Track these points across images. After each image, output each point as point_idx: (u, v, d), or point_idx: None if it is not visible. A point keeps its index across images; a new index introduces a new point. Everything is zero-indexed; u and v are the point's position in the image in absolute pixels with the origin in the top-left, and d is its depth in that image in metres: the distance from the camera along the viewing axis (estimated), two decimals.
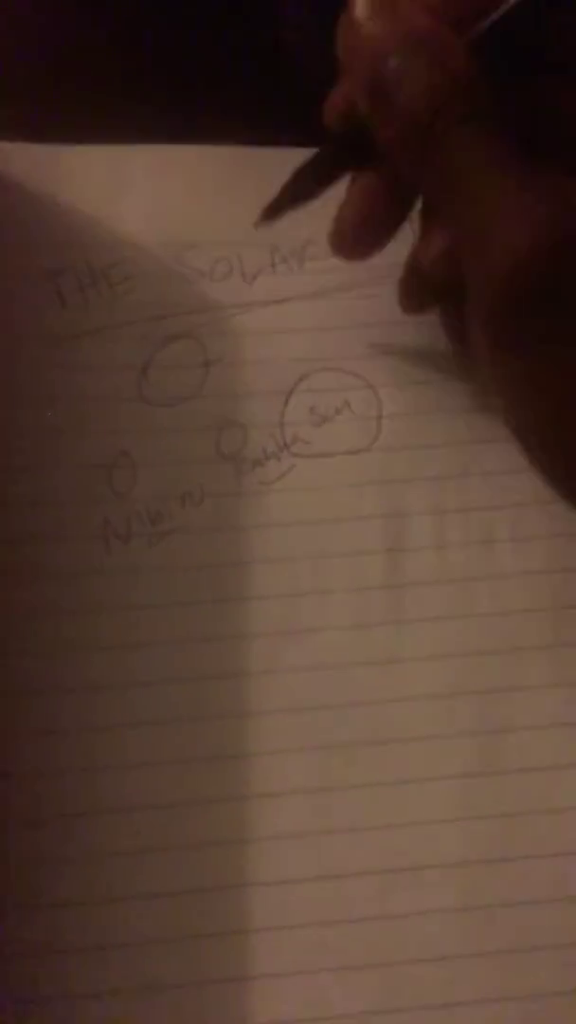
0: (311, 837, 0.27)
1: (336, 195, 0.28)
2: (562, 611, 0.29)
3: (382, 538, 0.29)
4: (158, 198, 0.32)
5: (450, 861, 0.27)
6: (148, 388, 0.31)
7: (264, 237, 0.32)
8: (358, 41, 0.24)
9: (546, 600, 0.29)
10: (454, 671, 0.28)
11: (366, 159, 0.27)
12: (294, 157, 0.33)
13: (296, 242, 0.32)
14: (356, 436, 0.30)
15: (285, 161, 0.32)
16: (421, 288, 0.29)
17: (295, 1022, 0.25)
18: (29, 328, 0.30)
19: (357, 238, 0.28)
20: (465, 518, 0.30)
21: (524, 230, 0.22)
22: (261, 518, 0.30)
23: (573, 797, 0.27)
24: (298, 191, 0.28)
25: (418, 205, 0.28)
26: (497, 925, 0.26)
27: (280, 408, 0.31)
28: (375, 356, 0.30)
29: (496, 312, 0.23)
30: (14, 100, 0.33)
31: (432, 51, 0.23)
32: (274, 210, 0.28)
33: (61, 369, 0.30)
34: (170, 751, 0.27)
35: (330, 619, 0.29)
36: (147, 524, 0.29)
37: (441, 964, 0.26)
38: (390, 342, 0.31)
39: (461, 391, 0.30)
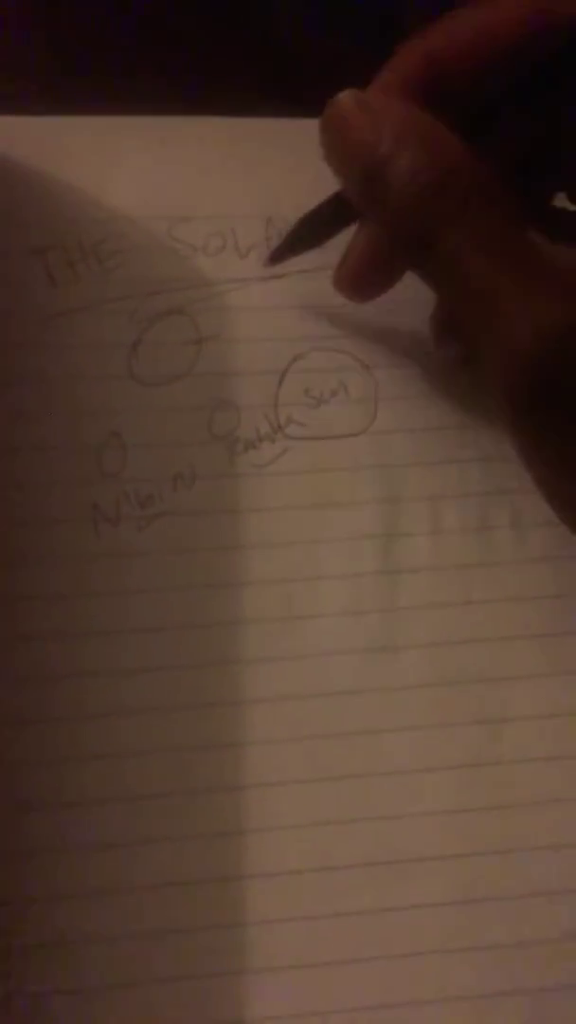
0: (305, 828, 0.27)
1: None
2: (559, 599, 0.28)
3: (377, 523, 0.29)
4: (149, 170, 0.31)
5: (446, 853, 0.26)
6: (138, 366, 0.30)
7: (259, 210, 0.31)
8: (343, 135, 0.24)
9: (543, 588, 0.28)
10: (450, 659, 0.28)
11: None
12: (288, 128, 0.32)
13: (293, 215, 0.31)
14: (352, 419, 0.30)
15: (279, 132, 0.32)
16: (447, 335, 0.29)
17: (289, 1017, 0.25)
18: (16, 305, 0.29)
19: (360, 284, 0.28)
20: (462, 504, 0.29)
21: (524, 334, 0.21)
22: (254, 502, 0.29)
23: (570, 788, 0.27)
24: (302, 238, 0.28)
25: None
26: (494, 919, 0.26)
27: (274, 388, 0.30)
28: (373, 336, 0.29)
29: (505, 408, 0.23)
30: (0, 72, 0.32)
31: (423, 140, 0.23)
32: (278, 256, 0.29)
33: (49, 347, 0.29)
34: (160, 740, 0.27)
35: (324, 605, 0.28)
36: (137, 507, 0.29)
37: (437, 958, 0.26)
38: (388, 322, 0.30)
39: (459, 375, 0.30)
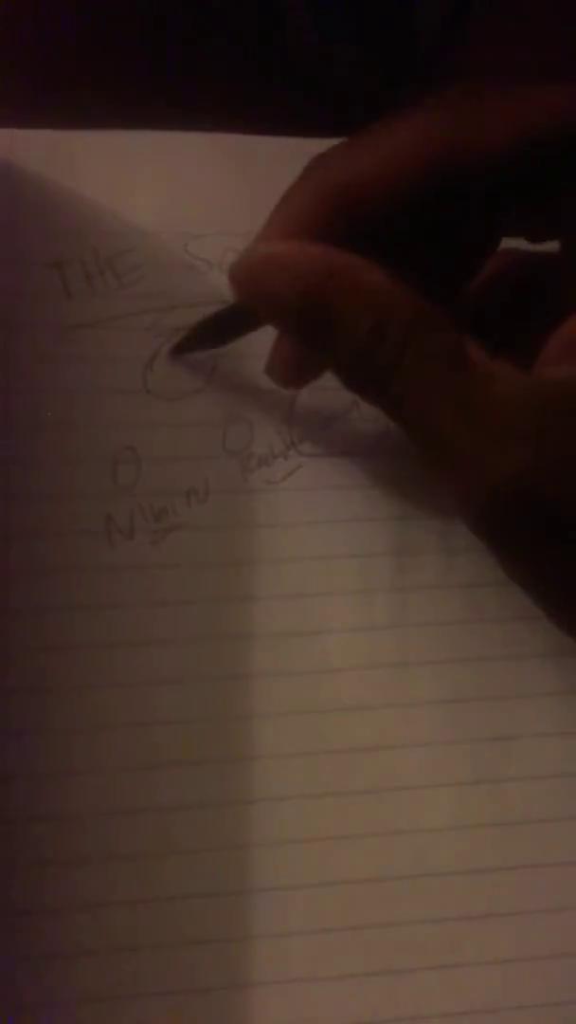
0: (312, 843, 0.27)
1: None
2: None
3: (389, 541, 0.29)
4: (167, 186, 0.31)
5: (452, 869, 0.27)
6: (154, 381, 0.30)
7: None
8: (258, 293, 0.23)
9: None
10: (459, 677, 0.28)
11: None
12: (304, 146, 0.32)
13: None
14: (365, 437, 0.30)
15: (295, 150, 0.31)
16: None
17: None
18: (33, 319, 0.30)
19: (290, 378, 0.28)
20: None
21: (477, 486, 0.21)
22: (267, 517, 0.29)
23: None
24: (205, 338, 0.29)
25: None
26: (499, 934, 0.26)
27: (288, 405, 0.30)
28: None
29: (474, 530, 0.22)
30: (21, 86, 0.32)
31: (354, 288, 0.22)
32: (179, 350, 0.30)
33: (65, 361, 0.30)
34: (171, 753, 0.27)
35: (335, 621, 0.29)
36: (151, 520, 0.29)
37: (443, 973, 0.26)
38: None
39: None
